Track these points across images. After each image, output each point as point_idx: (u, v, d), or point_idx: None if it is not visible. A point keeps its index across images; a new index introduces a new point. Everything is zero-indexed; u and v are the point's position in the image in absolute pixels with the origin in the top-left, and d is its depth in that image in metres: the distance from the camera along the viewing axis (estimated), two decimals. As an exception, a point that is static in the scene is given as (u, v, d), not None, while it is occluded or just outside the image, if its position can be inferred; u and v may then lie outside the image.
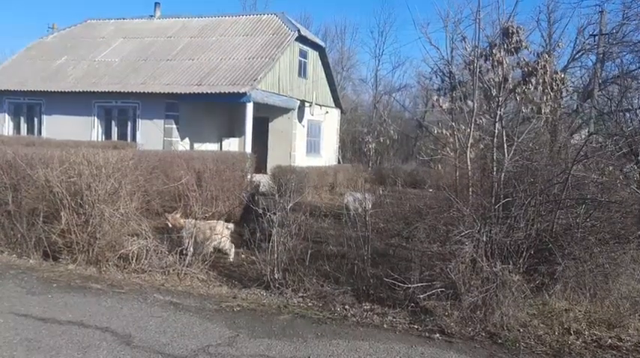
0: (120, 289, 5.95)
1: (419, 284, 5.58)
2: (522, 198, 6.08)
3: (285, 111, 19.06)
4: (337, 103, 23.37)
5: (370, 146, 24.84)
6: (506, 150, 6.54)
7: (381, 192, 13.32)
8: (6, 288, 5.74)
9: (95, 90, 17.42)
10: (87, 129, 17.60)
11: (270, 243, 6.41)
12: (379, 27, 50.09)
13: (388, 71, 65.84)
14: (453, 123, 7.46)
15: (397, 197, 11.16)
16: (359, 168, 20.66)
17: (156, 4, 21.98)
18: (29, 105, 19.08)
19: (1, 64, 23.28)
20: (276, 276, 6.24)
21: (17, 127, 19.33)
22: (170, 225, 7.66)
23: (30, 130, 18.97)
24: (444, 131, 7.29)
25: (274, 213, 6.65)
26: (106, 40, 20.90)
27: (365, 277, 6.11)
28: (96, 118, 17.78)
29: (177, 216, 7.71)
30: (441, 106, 6.91)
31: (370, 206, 6.50)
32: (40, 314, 4.99)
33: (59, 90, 18.03)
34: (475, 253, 5.53)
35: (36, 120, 18.89)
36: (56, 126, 17.83)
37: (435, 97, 7.20)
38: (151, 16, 22.09)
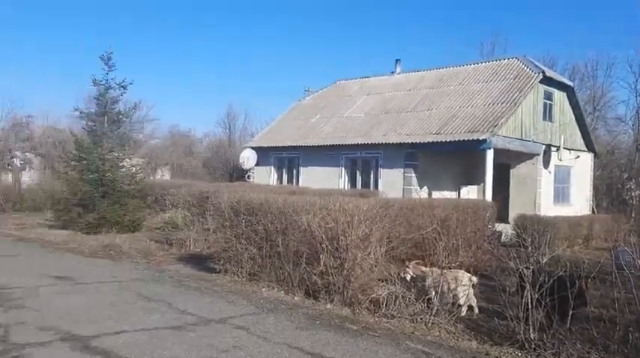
0: (374, 332, 6.24)
1: None
2: None
3: (528, 156, 18.00)
4: (589, 146, 21.09)
5: (633, 193, 21.64)
6: None
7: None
8: (280, 322, 6.56)
9: (343, 143, 19.27)
10: (335, 178, 19.45)
11: (524, 299, 6.01)
12: (641, 59, 43.70)
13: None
14: None
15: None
16: (620, 219, 18.04)
17: (396, 60, 23.48)
18: (289, 159, 22.04)
19: (268, 124, 27.61)
20: (531, 336, 5.79)
21: (280, 178, 22.47)
22: (411, 274, 7.70)
23: (289, 180, 21.85)
24: None
25: (527, 267, 6.25)
26: (352, 97, 23.04)
27: (643, 349, 5.23)
28: (343, 168, 19.55)
29: (420, 265, 7.79)
30: None
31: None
32: (308, 348, 5.53)
33: (313, 145, 20.45)
34: None
35: (294, 171, 21.68)
36: (310, 176, 20.20)
37: None
38: (392, 72, 23.58)
